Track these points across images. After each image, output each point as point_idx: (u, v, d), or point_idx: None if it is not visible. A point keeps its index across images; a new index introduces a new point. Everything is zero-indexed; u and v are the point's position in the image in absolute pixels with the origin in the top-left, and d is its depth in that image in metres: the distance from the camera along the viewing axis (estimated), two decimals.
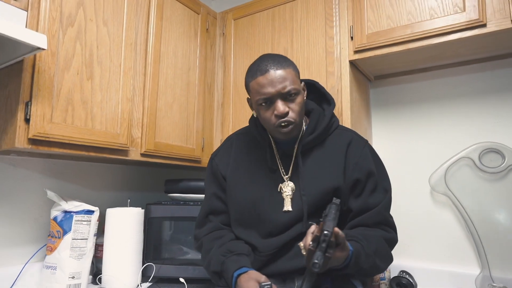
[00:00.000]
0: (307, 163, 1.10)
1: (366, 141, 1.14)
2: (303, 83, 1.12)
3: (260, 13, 1.70)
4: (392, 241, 1.06)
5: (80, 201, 1.36)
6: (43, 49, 0.98)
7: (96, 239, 1.37)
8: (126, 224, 1.40)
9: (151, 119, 1.44)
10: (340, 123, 1.34)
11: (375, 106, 1.71)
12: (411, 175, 1.58)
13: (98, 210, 1.37)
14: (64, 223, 1.28)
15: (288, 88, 0.99)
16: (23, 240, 1.32)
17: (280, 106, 0.99)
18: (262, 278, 0.90)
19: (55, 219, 1.29)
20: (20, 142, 1.05)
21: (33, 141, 1.07)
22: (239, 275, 0.94)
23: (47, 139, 1.09)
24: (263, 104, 1.01)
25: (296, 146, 1.11)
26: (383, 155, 1.60)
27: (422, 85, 1.60)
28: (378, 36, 1.37)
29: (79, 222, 1.29)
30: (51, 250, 1.28)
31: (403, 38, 1.32)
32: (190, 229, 1.50)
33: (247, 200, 1.12)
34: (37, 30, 1.09)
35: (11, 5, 1.05)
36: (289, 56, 1.57)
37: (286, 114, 1.00)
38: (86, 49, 1.22)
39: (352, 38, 1.44)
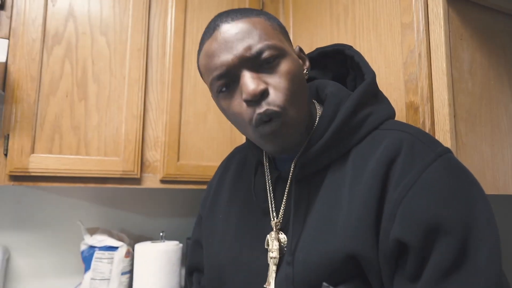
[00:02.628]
0: (311, 198, 0.59)
1: (441, 152, 0.51)
2: (298, 47, 0.63)
3: None
4: None
5: (111, 235, 1.23)
6: None
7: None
8: (154, 263, 1.17)
9: (173, 137, 1.17)
10: (428, 115, 0.72)
11: None
12: None
13: (125, 246, 1.20)
14: (87, 260, 1.18)
15: (258, 46, 0.54)
16: (69, 270, 1.30)
17: (249, 82, 0.53)
18: None
19: (82, 253, 1.20)
20: (1, 179, 0.98)
21: (13, 178, 0.99)
22: None
23: (27, 174, 0.99)
24: (223, 89, 0.57)
25: (292, 165, 0.61)
26: None
27: None
28: None
29: (99, 259, 1.16)
30: (79, 287, 1.20)
31: None
32: None
33: (214, 265, 0.69)
34: (16, 57, 1.01)
35: None
36: (350, 16, 0.97)
37: (262, 94, 0.53)
38: (78, 66, 1.07)
39: None
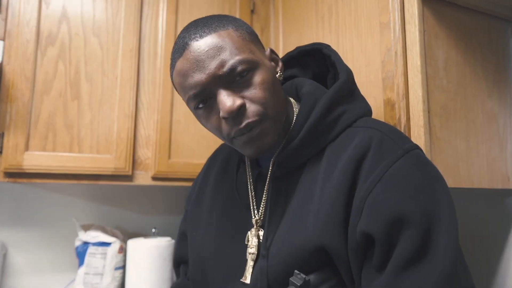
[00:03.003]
0: (288, 195, 0.61)
1: (409, 148, 0.54)
2: (269, 49, 0.65)
3: None
4: None
5: (105, 231, 1.26)
6: None
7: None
8: (146, 259, 1.20)
9: (164, 135, 1.19)
10: (404, 112, 0.74)
11: None
12: None
13: (118, 242, 1.23)
14: (81, 255, 1.21)
15: (231, 62, 0.55)
16: (65, 266, 1.33)
17: (225, 99, 0.55)
18: None
19: (76, 249, 1.23)
20: None
21: (8, 174, 1.02)
22: None
23: (22, 171, 1.02)
24: (200, 106, 0.59)
25: (270, 164, 0.63)
26: None
27: None
28: None
29: (92, 255, 1.19)
30: (73, 282, 1.23)
31: None
32: None
33: (197, 257, 0.72)
34: (11, 58, 1.04)
35: None
36: (334, 16, 1.00)
37: (240, 110, 0.55)
38: (71, 67, 1.11)
39: None
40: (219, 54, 0.55)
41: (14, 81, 1.03)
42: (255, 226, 0.63)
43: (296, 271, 0.53)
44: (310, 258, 0.54)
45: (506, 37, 0.89)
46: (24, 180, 1.04)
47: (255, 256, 0.60)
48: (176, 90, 0.63)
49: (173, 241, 1.26)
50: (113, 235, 1.27)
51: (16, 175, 1.02)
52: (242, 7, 1.37)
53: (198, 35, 0.57)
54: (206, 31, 0.57)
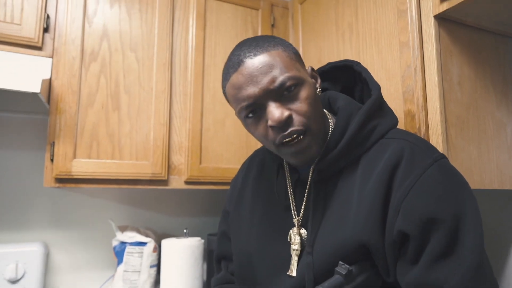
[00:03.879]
0: (327, 198, 0.70)
1: (437, 158, 0.62)
2: (310, 68, 0.73)
3: None
4: None
5: (139, 231, 1.36)
6: (36, 92, 1.00)
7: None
8: (179, 258, 1.30)
9: (195, 142, 1.29)
10: (423, 122, 0.84)
11: None
12: None
13: (153, 242, 1.32)
14: (119, 254, 1.30)
15: (280, 79, 0.63)
16: (102, 265, 1.43)
17: (274, 111, 0.63)
18: None
19: (114, 249, 1.33)
20: (48, 181, 1.11)
21: (59, 180, 1.12)
22: None
23: (70, 176, 1.12)
24: (250, 115, 0.67)
25: (311, 170, 0.71)
26: None
27: None
28: None
29: (130, 254, 1.29)
30: (113, 279, 1.32)
31: None
32: None
33: (244, 252, 0.80)
34: (59, 73, 1.14)
35: (36, 55, 1.14)
36: (354, 32, 1.10)
37: (287, 121, 0.63)
38: (112, 80, 1.21)
39: None
40: (270, 71, 0.63)
41: (62, 95, 1.13)
42: (296, 226, 0.71)
43: (340, 262, 0.62)
44: (351, 253, 0.62)
45: (509, 52, 0.99)
46: (72, 185, 1.13)
47: (299, 252, 0.69)
48: (228, 100, 0.71)
49: (203, 240, 1.36)
50: (146, 235, 1.37)
51: (65, 180, 1.12)
52: (264, 22, 1.47)
53: (252, 54, 0.64)
54: (259, 50, 0.65)
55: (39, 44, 1.13)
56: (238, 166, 1.33)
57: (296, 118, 0.64)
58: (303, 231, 0.71)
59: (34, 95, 1.17)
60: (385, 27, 0.98)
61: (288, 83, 0.63)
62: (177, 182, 1.27)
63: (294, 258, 0.69)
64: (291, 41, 1.50)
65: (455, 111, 0.85)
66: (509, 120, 0.93)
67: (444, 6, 0.83)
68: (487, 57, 0.94)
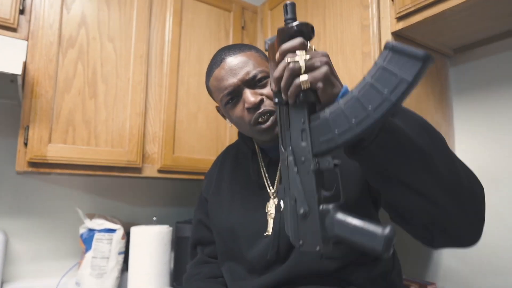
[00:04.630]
0: None
1: None
2: None
3: None
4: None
5: (107, 219, 1.37)
6: (18, 74, 0.99)
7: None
8: (149, 244, 1.34)
9: (169, 133, 1.35)
10: None
11: (459, 92, 1.19)
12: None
13: (122, 229, 1.35)
14: (87, 241, 1.31)
15: (253, 72, 0.78)
16: (64, 254, 1.41)
17: (249, 95, 0.77)
18: None
19: (81, 236, 1.33)
20: (20, 165, 1.10)
21: (32, 164, 1.11)
22: None
23: (45, 161, 1.11)
24: (230, 101, 0.80)
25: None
26: (470, 163, 1.18)
27: None
28: None
29: (99, 240, 1.30)
30: (79, 266, 1.32)
31: None
32: None
33: (226, 227, 0.89)
34: (35, 57, 1.13)
35: (12, 37, 1.11)
36: (321, 40, 1.25)
37: (260, 103, 0.77)
38: (89, 68, 1.22)
39: (393, 0, 1.03)
40: (246, 66, 0.78)
41: (38, 79, 1.12)
42: (272, 197, 0.83)
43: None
44: None
45: (446, 67, 1.21)
46: (47, 170, 1.13)
47: (273, 215, 0.81)
48: (211, 93, 0.85)
49: (171, 228, 1.41)
50: (114, 223, 1.39)
51: (39, 165, 1.12)
52: (235, 23, 1.57)
53: (231, 53, 0.81)
54: (237, 51, 0.81)
55: (15, 26, 1.11)
56: (209, 157, 1.41)
57: (267, 102, 0.77)
58: (276, 200, 0.83)
59: (1, 77, 1.14)
60: (350, 39, 1.14)
61: (259, 75, 0.78)
62: (150, 171, 1.32)
63: (270, 221, 0.81)
64: (259, 42, 1.62)
65: None
66: (443, 121, 1.14)
67: (400, 25, 1.01)
68: (428, 70, 1.13)
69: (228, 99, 0.80)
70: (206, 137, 1.44)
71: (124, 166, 1.25)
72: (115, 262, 1.32)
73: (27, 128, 1.10)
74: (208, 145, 1.44)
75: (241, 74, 0.78)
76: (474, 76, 1.16)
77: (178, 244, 1.45)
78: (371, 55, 1.06)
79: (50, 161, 1.12)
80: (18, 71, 0.99)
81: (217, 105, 0.89)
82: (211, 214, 0.95)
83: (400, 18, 1.01)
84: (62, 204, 1.42)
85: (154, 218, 1.41)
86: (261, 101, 0.77)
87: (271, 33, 1.54)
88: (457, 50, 1.19)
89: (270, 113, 0.77)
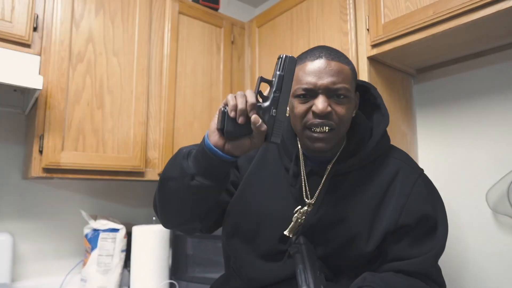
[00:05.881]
0: (336, 190, 0.85)
1: (422, 172, 0.86)
2: (357, 93, 0.87)
3: (279, 17, 1.59)
4: None
5: (109, 220, 1.48)
6: (39, 89, 1.09)
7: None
8: (150, 242, 1.46)
9: (168, 140, 1.48)
10: None
11: (421, 106, 1.41)
12: (467, 191, 1.25)
13: (124, 228, 1.46)
14: (92, 240, 1.41)
15: (339, 85, 0.76)
16: (67, 253, 1.50)
17: (323, 102, 0.75)
18: None
19: (86, 236, 1.43)
20: (36, 171, 1.19)
21: (47, 170, 1.20)
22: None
23: (59, 167, 1.21)
24: (301, 96, 0.78)
25: (329, 166, 0.84)
26: (430, 166, 1.34)
27: (481, 74, 1.26)
28: (395, 24, 1.13)
29: (104, 239, 1.41)
30: (84, 264, 1.42)
31: (424, 22, 1.05)
32: (216, 248, 1.49)
33: (255, 208, 0.88)
34: (48, 71, 1.22)
35: (26, 52, 1.20)
36: None
37: (327, 114, 0.76)
38: (96, 81, 1.33)
39: (368, 30, 1.22)
40: (336, 76, 0.76)
41: (51, 92, 1.22)
42: (307, 205, 0.82)
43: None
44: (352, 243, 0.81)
45: (411, 85, 1.43)
46: (60, 175, 1.23)
47: (299, 220, 0.82)
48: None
49: None
50: (116, 223, 1.50)
51: (53, 171, 1.21)
52: (226, 38, 1.72)
53: (330, 57, 0.78)
54: (336, 58, 0.78)
55: (29, 42, 1.20)
56: None
57: (334, 117, 0.77)
58: (309, 209, 0.83)
59: (10, 89, 1.24)
60: None
61: (342, 91, 0.76)
62: (151, 174, 1.44)
63: (295, 224, 0.82)
64: (247, 56, 1.78)
65: None
66: (409, 131, 1.36)
67: (374, 51, 1.21)
68: (397, 88, 1.35)
69: (301, 94, 0.77)
70: None
71: (129, 170, 1.37)
72: (118, 259, 1.43)
73: (41, 137, 1.20)
74: None
75: (327, 81, 0.75)
76: (433, 92, 1.38)
77: (175, 242, 1.58)
78: None
79: (63, 167, 1.22)
80: (39, 85, 1.09)
81: None
82: (241, 195, 0.91)
83: (374, 46, 1.21)
84: (64, 206, 1.51)
85: (154, 218, 1.54)
86: (329, 113, 0.76)
87: (258, 48, 1.71)
88: (419, 70, 1.41)
89: (330, 127, 0.76)
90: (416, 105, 1.43)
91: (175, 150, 1.50)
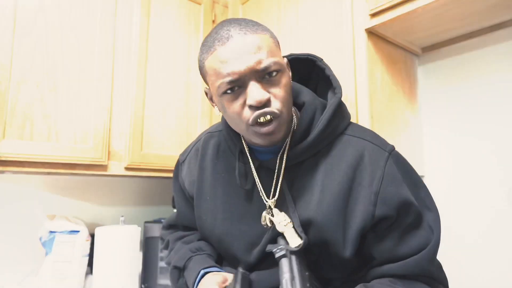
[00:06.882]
0: (293, 183, 0.72)
1: (392, 148, 0.71)
2: (286, 59, 0.72)
3: None
4: None
5: (69, 220, 1.28)
6: None
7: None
8: (116, 245, 1.27)
9: (137, 129, 1.29)
10: (355, 116, 0.98)
11: (427, 89, 1.23)
12: (480, 185, 1.07)
13: (86, 230, 1.27)
14: (47, 244, 1.22)
15: (266, 62, 0.62)
16: (20, 260, 1.30)
17: (256, 91, 0.62)
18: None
19: (40, 239, 1.24)
20: None
21: None
22: (206, 273, 0.74)
23: None
24: (228, 91, 0.64)
25: (279, 158, 0.72)
26: (437, 158, 1.18)
27: (498, 51, 1.08)
28: None
29: (60, 243, 1.22)
30: (37, 272, 1.23)
31: None
32: None
33: (214, 235, 0.79)
34: None
35: None
36: (294, 35, 1.24)
37: (266, 102, 0.63)
38: (48, 59, 1.13)
39: None
40: (258, 52, 0.62)
41: None
42: (272, 208, 0.71)
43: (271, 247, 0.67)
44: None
45: (415, 66, 1.25)
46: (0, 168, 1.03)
47: (272, 227, 0.70)
48: (204, 72, 0.68)
49: (139, 228, 1.35)
50: (76, 224, 1.30)
51: None
52: (206, 16, 1.53)
53: (243, 32, 0.63)
54: (249, 30, 0.63)
55: None
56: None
57: (274, 102, 0.64)
58: (275, 210, 0.71)
59: None
60: (323, 35, 1.14)
61: (272, 68, 0.63)
62: (116, 168, 1.25)
63: (266, 236, 0.72)
64: None
65: (378, 109, 1.05)
66: (412, 117, 1.18)
67: (374, 22, 1.02)
68: (399, 68, 1.16)
69: (228, 89, 0.63)
70: (175, 133, 1.39)
71: (88, 163, 1.17)
72: (78, 265, 1.24)
73: None
74: (178, 142, 1.39)
75: (251, 62, 0.61)
76: (440, 74, 1.20)
77: (146, 245, 1.39)
78: (345, 49, 1.06)
79: (2, 159, 1.03)
80: None
81: (207, 88, 0.72)
82: (198, 216, 0.83)
83: (374, 15, 1.02)
84: (18, 205, 1.32)
85: (122, 218, 1.34)
86: (269, 100, 0.63)
87: None
88: (425, 49, 1.23)
89: (273, 115, 0.64)
90: (421, 89, 1.25)
91: (145, 141, 1.31)
